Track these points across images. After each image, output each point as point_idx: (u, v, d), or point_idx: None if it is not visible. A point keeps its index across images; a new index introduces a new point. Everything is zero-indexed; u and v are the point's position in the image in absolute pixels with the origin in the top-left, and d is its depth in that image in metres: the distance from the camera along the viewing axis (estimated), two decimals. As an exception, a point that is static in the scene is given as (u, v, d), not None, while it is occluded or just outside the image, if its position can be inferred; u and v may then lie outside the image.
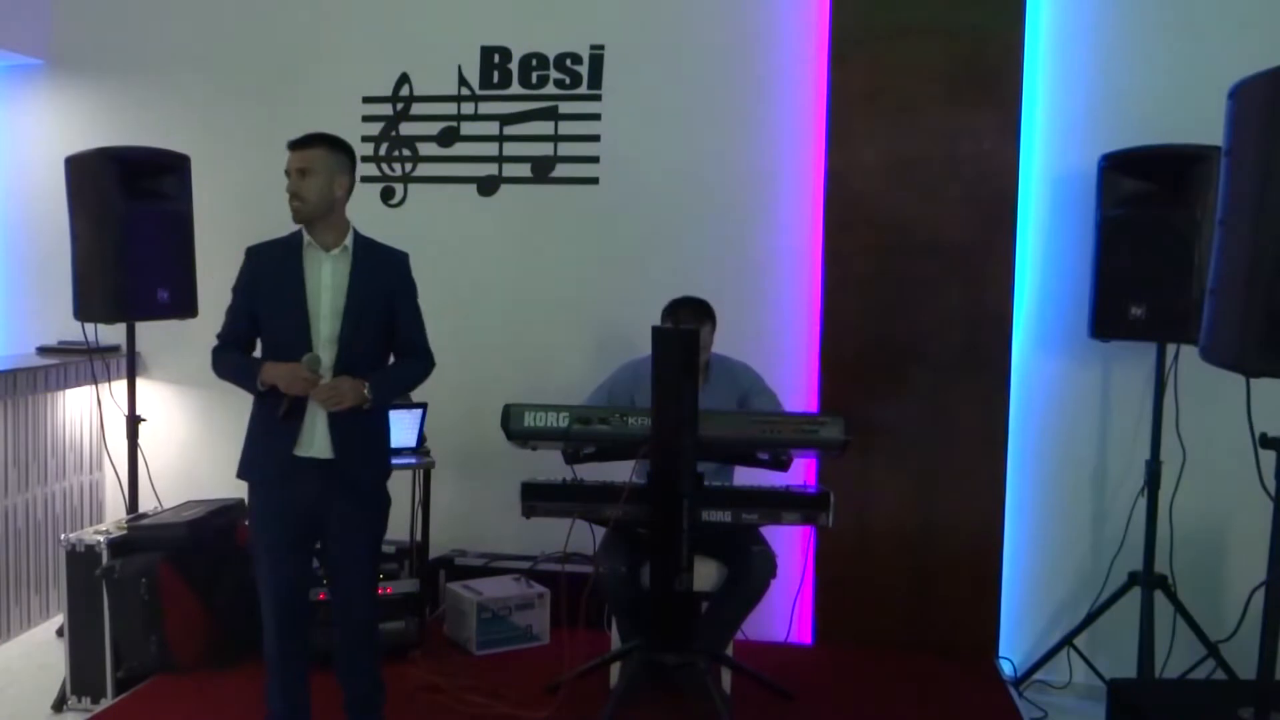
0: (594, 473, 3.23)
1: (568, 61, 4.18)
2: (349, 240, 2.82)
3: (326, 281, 2.78)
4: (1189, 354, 3.13)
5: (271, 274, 2.81)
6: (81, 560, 3.47)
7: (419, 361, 2.92)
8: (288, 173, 2.77)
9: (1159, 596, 3.52)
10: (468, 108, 4.27)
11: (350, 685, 2.90)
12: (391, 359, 2.91)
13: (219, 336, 2.88)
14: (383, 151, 4.33)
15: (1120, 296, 3.45)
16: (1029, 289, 3.87)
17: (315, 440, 2.76)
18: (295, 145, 2.79)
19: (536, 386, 3.92)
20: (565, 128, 4.20)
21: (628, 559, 3.24)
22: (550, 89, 4.20)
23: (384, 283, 2.83)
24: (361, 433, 2.81)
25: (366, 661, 2.89)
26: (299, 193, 2.75)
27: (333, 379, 2.73)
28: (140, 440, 3.92)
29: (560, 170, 4.22)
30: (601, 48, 4.16)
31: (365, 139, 4.31)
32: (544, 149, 4.22)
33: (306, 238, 2.81)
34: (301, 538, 2.82)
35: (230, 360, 2.84)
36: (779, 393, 3.61)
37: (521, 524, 3.31)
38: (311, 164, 2.76)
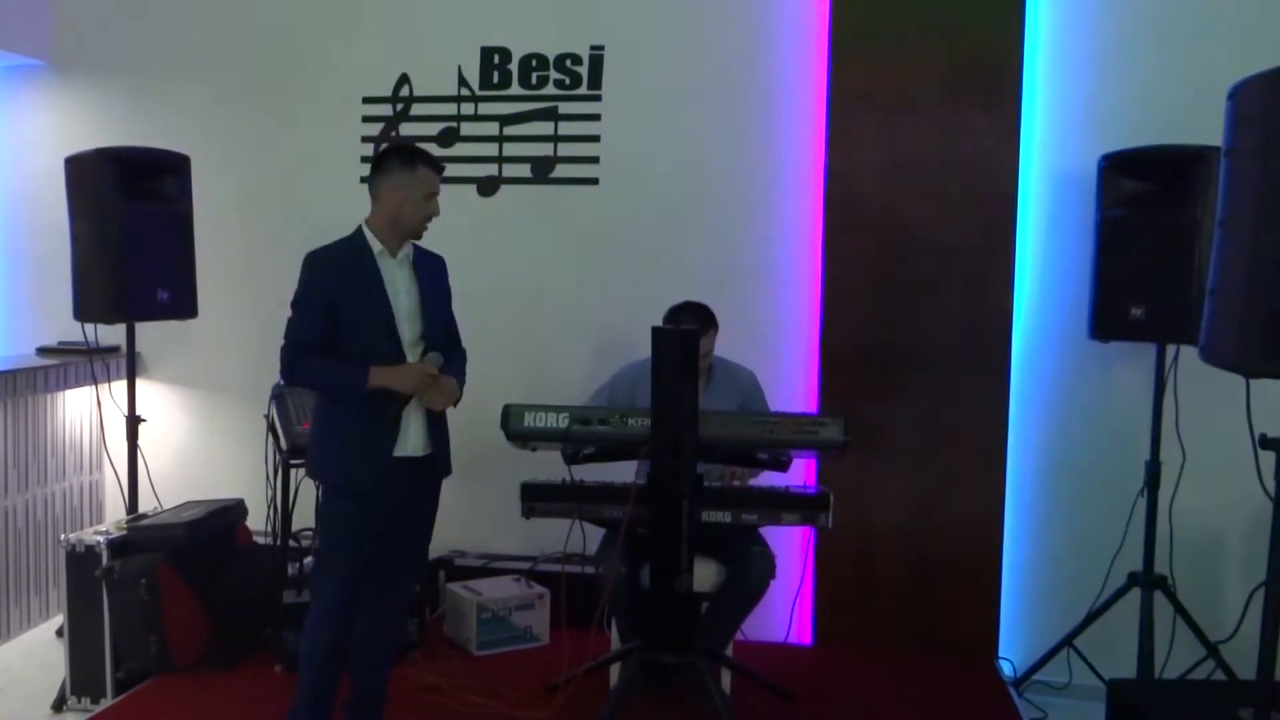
0: (593, 473, 3.23)
1: (568, 62, 4.18)
2: (409, 245, 2.91)
3: (401, 286, 2.87)
4: (1189, 354, 3.12)
5: (349, 280, 2.82)
6: (81, 560, 3.47)
7: (462, 354, 3.08)
8: (432, 195, 2.86)
9: (1159, 597, 3.52)
10: (468, 108, 4.27)
11: (364, 680, 2.96)
12: None
13: (291, 343, 2.83)
14: (383, 151, 4.32)
15: (1120, 297, 3.44)
16: (1029, 289, 3.87)
17: (411, 438, 2.86)
18: (441, 169, 2.89)
19: (536, 387, 3.92)
20: (565, 128, 4.20)
21: (628, 559, 3.24)
22: (550, 89, 4.20)
23: (440, 284, 3.00)
24: (444, 426, 2.98)
25: (388, 657, 3.00)
26: (434, 215, 2.89)
27: (442, 378, 2.85)
28: (140, 441, 3.92)
29: (560, 170, 4.22)
30: (601, 48, 4.16)
31: (365, 139, 4.31)
32: (544, 149, 4.22)
33: (378, 245, 2.85)
34: (380, 543, 2.89)
35: (321, 367, 2.81)
36: (779, 394, 3.61)
37: (521, 524, 3.31)
38: None
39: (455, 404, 2.94)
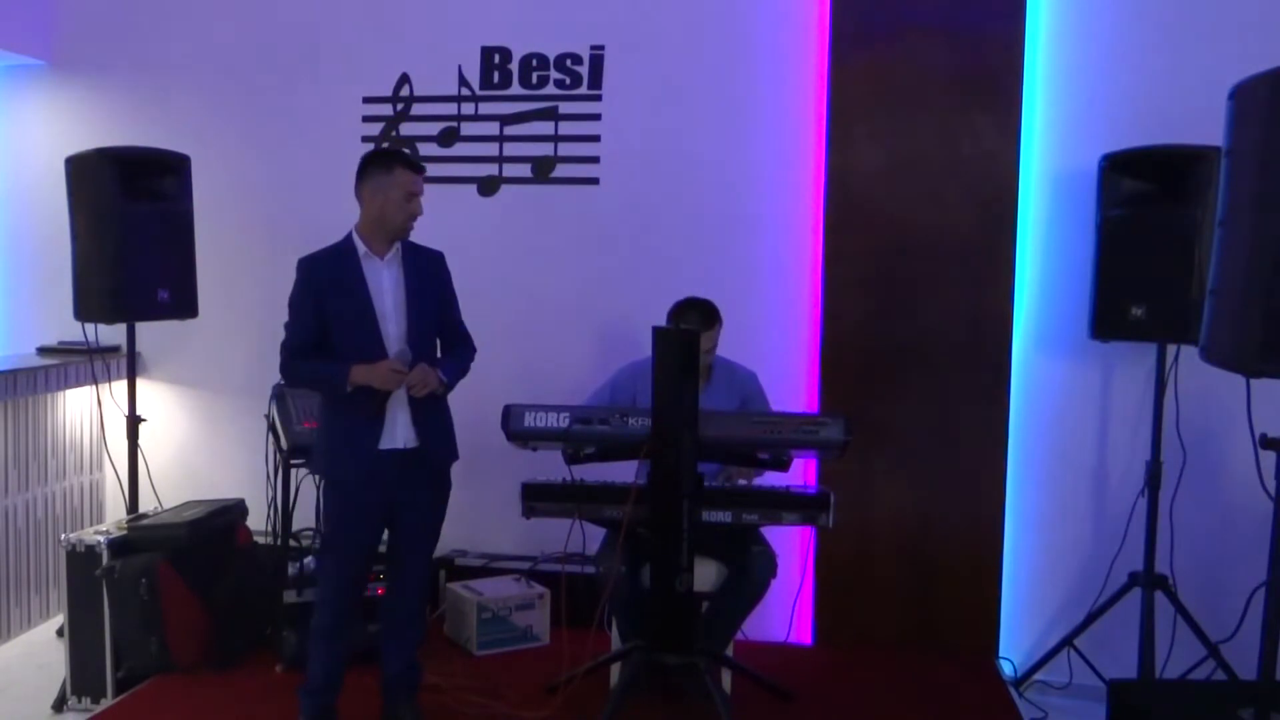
0: (594, 473, 3.23)
1: (568, 61, 4.18)
2: (397, 245, 3.01)
3: (386, 285, 2.98)
4: (1189, 354, 3.13)
5: (334, 283, 2.95)
6: (81, 560, 3.47)
7: (467, 346, 3.19)
8: (412, 195, 2.96)
9: (1159, 596, 3.52)
10: (468, 108, 4.27)
11: (397, 659, 3.09)
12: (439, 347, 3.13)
13: (286, 346, 2.99)
14: (383, 151, 4.33)
15: (1120, 296, 3.45)
16: (1029, 289, 3.87)
17: (399, 431, 2.97)
18: (420, 169, 3.00)
19: (537, 386, 3.92)
20: (565, 128, 4.19)
21: (628, 559, 3.24)
22: (550, 89, 4.20)
23: (433, 281, 3.08)
24: (437, 419, 3.06)
25: (415, 634, 3.14)
26: (417, 214, 3.00)
27: (418, 367, 2.93)
28: (140, 440, 3.93)
29: (560, 170, 4.22)
30: (601, 48, 4.16)
31: (365, 139, 4.30)
32: (544, 149, 4.22)
33: (363, 247, 2.97)
34: (378, 530, 3.05)
35: (309, 367, 2.98)
36: (779, 394, 3.61)
37: (521, 524, 3.32)
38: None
39: (445, 391, 3.04)
